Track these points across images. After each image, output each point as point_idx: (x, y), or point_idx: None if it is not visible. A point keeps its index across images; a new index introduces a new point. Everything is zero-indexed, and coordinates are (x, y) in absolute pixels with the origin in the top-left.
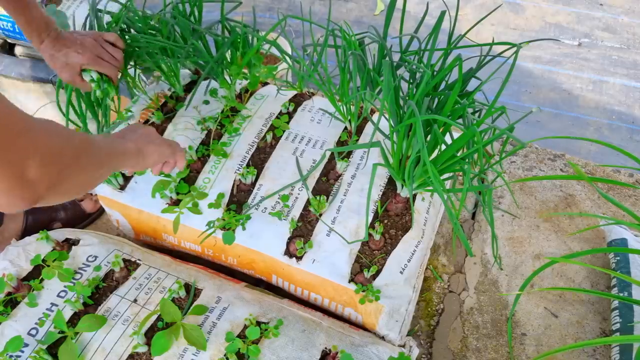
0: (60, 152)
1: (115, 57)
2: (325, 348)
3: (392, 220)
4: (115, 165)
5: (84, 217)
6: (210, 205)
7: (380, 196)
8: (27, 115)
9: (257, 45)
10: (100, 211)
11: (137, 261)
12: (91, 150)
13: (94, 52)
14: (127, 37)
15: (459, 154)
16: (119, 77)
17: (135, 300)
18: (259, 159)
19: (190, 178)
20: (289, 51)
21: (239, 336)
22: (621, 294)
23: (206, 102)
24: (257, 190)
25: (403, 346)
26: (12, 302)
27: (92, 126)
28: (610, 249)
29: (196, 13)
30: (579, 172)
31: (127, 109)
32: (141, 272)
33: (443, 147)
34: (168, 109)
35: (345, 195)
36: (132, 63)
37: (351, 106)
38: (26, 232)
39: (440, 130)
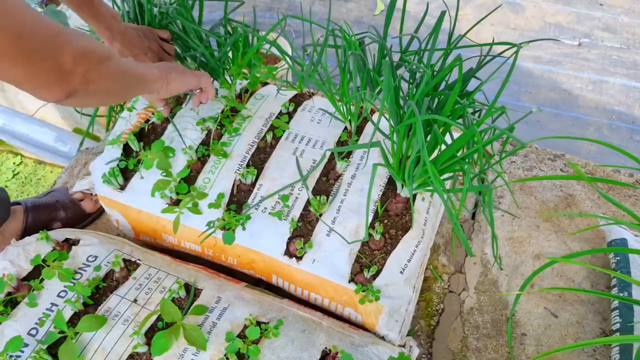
0: (88, 52)
1: (170, 54)
2: (325, 348)
3: (392, 220)
4: (138, 83)
5: (84, 217)
6: (210, 205)
7: (380, 196)
8: (56, 23)
9: (257, 45)
10: (100, 211)
11: (137, 261)
12: (115, 59)
13: (158, 56)
14: None
15: (459, 154)
16: None
17: (135, 300)
18: (259, 159)
19: (190, 178)
20: (289, 51)
21: (239, 336)
22: (621, 294)
23: None
24: (257, 190)
25: (403, 346)
26: (12, 302)
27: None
28: (610, 249)
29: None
30: (579, 172)
31: (129, 108)
32: (141, 272)
33: (443, 147)
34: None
35: (345, 195)
36: None
37: (351, 106)
38: (26, 232)
39: (440, 130)
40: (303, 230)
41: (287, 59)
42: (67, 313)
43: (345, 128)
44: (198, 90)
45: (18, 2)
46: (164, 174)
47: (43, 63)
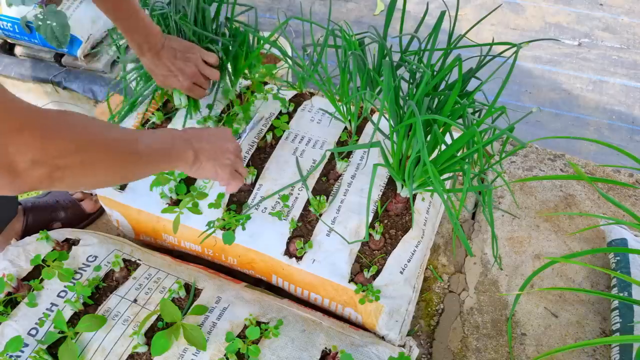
0: (59, 154)
1: (209, 79)
2: (325, 348)
3: (392, 220)
4: (158, 167)
5: (84, 217)
6: (210, 205)
7: (380, 196)
8: (32, 110)
9: (259, 47)
10: (100, 211)
11: (137, 261)
12: (111, 150)
13: (193, 81)
14: None
15: (459, 154)
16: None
17: (135, 300)
18: (259, 159)
19: (190, 178)
20: (289, 51)
21: (239, 336)
22: (621, 294)
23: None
24: (257, 190)
25: (403, 346)
26: (12, 302)
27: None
28: (610, 249)
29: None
30: (579, 172)
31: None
32: (141, 272)
33: (443, 147)
34: (168, 109)
35: (345, 195)
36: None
37: (351, 106)
38: (26, 232)
39: (440, 130)
40: (303, 230)
41: (288, 60)
42: (67, 313)
43: (345, 128)
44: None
45: None
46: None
47: None
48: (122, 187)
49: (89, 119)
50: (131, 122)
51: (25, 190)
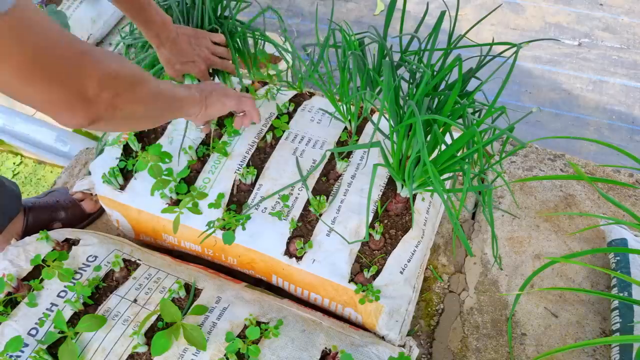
0: (117, 76)
1: (225, 57)
2: (325, 348)
3: (392, 220)
4: (174, 108)
5: (84, 217)
6: (210, 205)
7: (380, 196)
8: (84, 41)
9: (262, 55)
10: (100, 211)
11: (137, 261)
12: (147, 84)
13: (209, 62)
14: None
15: (459, 154)
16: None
17: (135, 300)
18: (259, 159)
19: (190, 178)
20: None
21: (239, 336)
22: (621, 294)
23: None
24: (257, 190)
25: (403, 346)
26: (12, 302)
27: None
28: (610, 249)
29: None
30: (579, 172)
31: None
32: (141, 272)
33: (443, 147)
34: None
35: (345, 195)
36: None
37: (351, 106)
38: (26, 232)
39: (440, 130)
40: (303, 230)
41: (281, 50)
42: (67, 313)
43: (345, 128)
44: (242, 113)
45: (42, 17)
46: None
47: (63, 85)
48: (122, 187)
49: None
50: None
51: (94, 120)
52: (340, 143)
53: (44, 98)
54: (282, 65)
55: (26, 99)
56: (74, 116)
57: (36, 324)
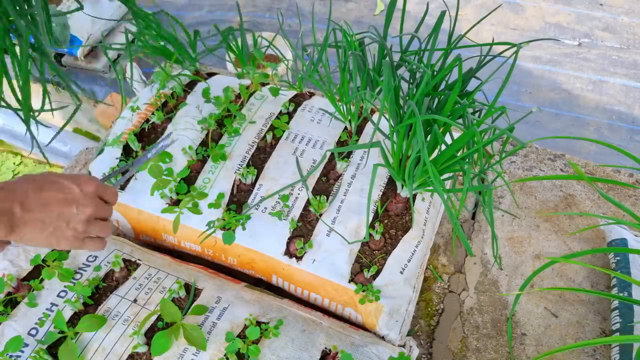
0: None
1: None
2: (325, 348)
3: (392, 220)
4: None
5: None
6: (210, 205)
7: (380, 196)
8: None
9: (259, 56)
10: None
11: (137, 261)
12: None
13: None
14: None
15: (459, 154)
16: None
17: (135, 300)
18: (259, 159)
19: (190, 178)
20: (289, 52)
21: (239, 336)
22: (621, 294)
23: (208, 101)
24: (257, 190)
25: (403, 346)
26: (12, 302)
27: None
28: (610, 249)
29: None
30: (579, 172)
31: (132, 108)
32: (141, 272)
33: (443, 147)
34: (168, 109)
35: (345, 195)
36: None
37: (351, 106)
38: None
39: (440, 130)
40: (303, 230)
41: (277, 50)
42: (67, 313)
43: (345, 128)
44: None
45: None
46: (163, 175)
47: None
48: (122, 187)
49: None
50: (132, 121)
51: None
52: (340, 143)
53: None
54: (282, 66)
55: None
56: None
57: (36, 324)
